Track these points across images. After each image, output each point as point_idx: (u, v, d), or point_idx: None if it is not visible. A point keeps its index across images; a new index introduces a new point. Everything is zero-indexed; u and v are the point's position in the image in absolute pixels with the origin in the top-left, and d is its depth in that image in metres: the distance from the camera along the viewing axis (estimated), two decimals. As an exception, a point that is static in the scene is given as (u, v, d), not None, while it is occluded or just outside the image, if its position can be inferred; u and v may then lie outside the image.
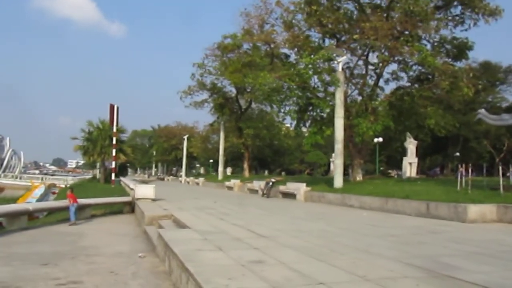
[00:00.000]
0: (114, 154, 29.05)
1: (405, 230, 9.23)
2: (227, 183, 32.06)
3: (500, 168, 13.64)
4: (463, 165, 16.02)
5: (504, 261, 5.85)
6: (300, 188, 19.91)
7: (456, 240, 7.79)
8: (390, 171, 57.92)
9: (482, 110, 15.66)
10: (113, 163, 29.49)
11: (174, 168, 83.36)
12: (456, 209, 11.19)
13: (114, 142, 28.87)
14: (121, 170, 57.57)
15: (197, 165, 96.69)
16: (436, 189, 15.63)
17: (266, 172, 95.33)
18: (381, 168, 66.75)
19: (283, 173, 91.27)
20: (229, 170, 72.78)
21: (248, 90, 33.68)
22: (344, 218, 11.85)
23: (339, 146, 19.08)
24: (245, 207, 15.30)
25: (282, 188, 21.76)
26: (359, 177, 21.50)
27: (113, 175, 28.89)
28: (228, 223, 9.92)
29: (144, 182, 23.57)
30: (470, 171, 15.48)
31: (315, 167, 75.09)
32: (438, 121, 20.66)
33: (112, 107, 28.15)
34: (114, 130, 28.75)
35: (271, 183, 21.81)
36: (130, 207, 16.84)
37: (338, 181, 19.06)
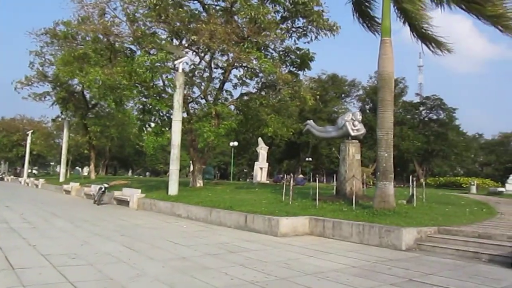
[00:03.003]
0: None
1: (204, 249, 8.46)
2: (65, 187, 28.79)
3: (317, 178, 13.93)
4: (293, 173, 16.34)
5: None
6: (134, 194, 18.39)
7: (245, 262, 7.21)
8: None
9: (310, 122, 16.09)
10: None
11: (19, 168, 74.17)
12: (270, 222, 10.93)
13: None
14: None
15: (52, 164, 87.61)
16: (265, 198, 15.55)
17: (130, 173, 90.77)
18: (245, 170, 68.42)
19: (147, 173, 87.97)
20: (86, 170, 66.88)
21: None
22: (154, 233, 10.72)
23: (175, 151, 17.98)
24: (53, 219, 13.23)
25: (117, 194, 19.87)
26: (199, 184, 20.76)
27: None
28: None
29: None
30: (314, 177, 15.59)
31: (180, 168, 73.55)
32: (276, 129, 20.99)
33: None
34: None
35: (103, 189, 19.72)
36: None
37: (173, 188, 17.97)
